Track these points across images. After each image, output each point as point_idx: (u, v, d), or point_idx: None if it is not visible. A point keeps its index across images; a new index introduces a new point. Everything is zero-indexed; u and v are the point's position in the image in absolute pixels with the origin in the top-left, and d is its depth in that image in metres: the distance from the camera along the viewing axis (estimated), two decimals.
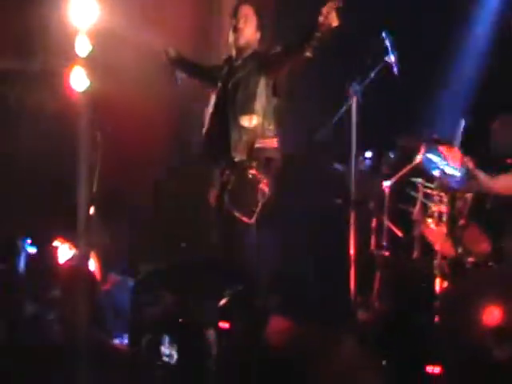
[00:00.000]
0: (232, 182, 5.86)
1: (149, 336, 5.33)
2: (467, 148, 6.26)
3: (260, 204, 5.81)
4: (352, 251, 6.19)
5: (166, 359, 5.25)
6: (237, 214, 5.81)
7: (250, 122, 5.83)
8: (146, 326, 5.45)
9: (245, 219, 5.79)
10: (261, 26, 6.10)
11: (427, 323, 5.97)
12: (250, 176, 5.83)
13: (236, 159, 5.81)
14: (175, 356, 5.24)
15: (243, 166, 5.79)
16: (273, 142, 5.91)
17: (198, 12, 7.78)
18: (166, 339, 5.26)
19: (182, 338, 5.28)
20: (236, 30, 6.05)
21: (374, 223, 6.72)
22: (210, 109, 6.12)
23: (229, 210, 5.82)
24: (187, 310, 5.44)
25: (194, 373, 5.21)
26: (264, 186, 5.88)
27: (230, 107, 5.90)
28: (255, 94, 5.86)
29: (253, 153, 5.83)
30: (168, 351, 5.25)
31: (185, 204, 7.32)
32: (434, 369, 5.41)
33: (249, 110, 5.84)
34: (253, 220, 5.80)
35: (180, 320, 5.34)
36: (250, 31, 6.04)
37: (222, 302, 5.44)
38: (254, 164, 5.82)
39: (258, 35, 6.10)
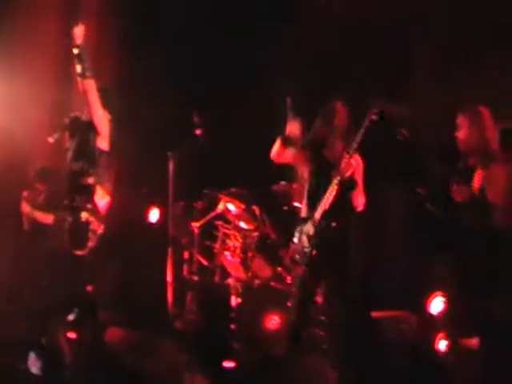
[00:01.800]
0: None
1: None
2: None
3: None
4: (169, 276, 7.12)
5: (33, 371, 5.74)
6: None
7: None
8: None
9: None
10: None
11: (226, 330, 6.83)
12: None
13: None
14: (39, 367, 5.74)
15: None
16: None
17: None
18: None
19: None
20: None
21: (186, 255, 7.59)
22: None
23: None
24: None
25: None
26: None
27: None
28: None
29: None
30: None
31: None
32: (229, 364, 6.26)
33: None
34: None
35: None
36: None
37: (70, 317, 5.97)
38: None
39: None
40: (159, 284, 7.16)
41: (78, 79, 6.27)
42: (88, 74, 6.23)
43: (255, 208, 7.46)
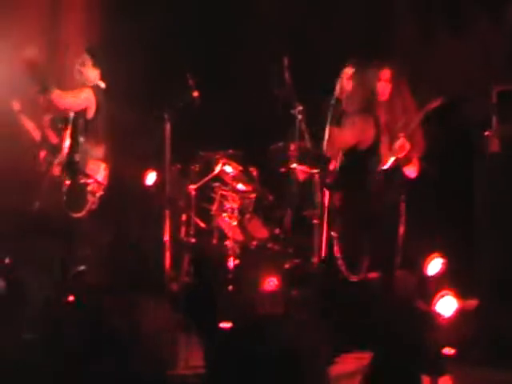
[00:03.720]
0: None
1: None
2: None
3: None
4: (166, 238, 6.93)
5: None
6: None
7: None
8: None
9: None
10: None
11: (224, 291, 6.89)
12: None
13: None
14: None
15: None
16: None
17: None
18: None
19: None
20: None
21: (183, 217, 7.56)
22: None
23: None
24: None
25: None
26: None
27: None
28: None
29: None
30: None
31: None
32: (226, 324, 6.01)
33: None
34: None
35: None
36: None
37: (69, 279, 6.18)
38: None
39: None
40: (156, 246, 7.13)
41: (41, 96, 6.44)
42: (50, 86, 6.33)
43: (252, 169, 7.48)
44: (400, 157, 5.86)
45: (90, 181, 6.58)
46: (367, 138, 6.01)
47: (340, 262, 6.12)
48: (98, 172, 6.65)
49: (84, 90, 6.63)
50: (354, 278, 6.11)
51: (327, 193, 6.43)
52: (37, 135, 7.43)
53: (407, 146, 5.81)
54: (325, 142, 6.17)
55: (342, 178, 6.27)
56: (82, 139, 6.61)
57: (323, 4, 7.97)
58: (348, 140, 6.07)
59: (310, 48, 7.78)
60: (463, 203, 6.64)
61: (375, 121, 5.95)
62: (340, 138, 6.04)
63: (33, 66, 6.25)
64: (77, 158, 6.54)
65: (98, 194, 6.61)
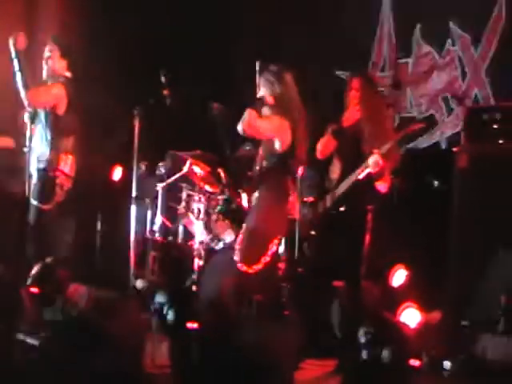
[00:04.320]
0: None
1: None
2: None
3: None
4: (132, 235, 6.82)
5: None
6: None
7: None
8: None
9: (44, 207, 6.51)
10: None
11: (189, 290, 6.87)
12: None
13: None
14: None
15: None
16: None
17: None
18: None
19: None
20: None
21: (149, 215, 7.67)
22: None
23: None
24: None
25: None
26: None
27: None
28: None
29: None
30: None
31: None
32: (193, 325, 5.89)
33: None
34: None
35: None
36: None
37: (34, 271, 6.06)
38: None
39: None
40: (121, 243, 7.11)
41: (24, 91, 6.33)
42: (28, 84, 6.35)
43: (220, 171, 7.47)
44: (373, 172, 5.91)
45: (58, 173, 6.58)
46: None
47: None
48: (66, 164, 6.61)
49: (55, 86, 6.60)
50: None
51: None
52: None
53: (381, 162, 5.88)
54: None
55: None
56: (52, 135, 6.58)
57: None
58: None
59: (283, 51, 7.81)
60: (435, 218, 6.72)
61: (292, 124, 5.83)
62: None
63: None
64: (48, 155, 6.49)
65: (65, 187, 6.61)
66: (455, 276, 6.24)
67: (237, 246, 5.97)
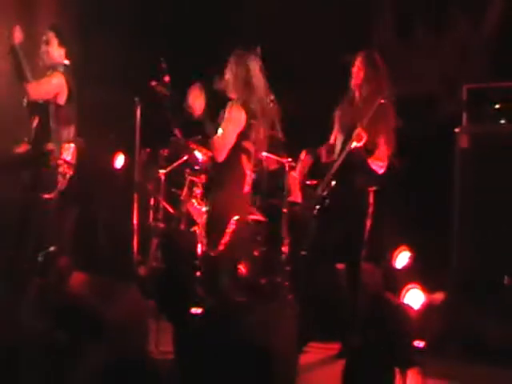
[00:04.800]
0: None
1: None
2: None
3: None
4: (135, 222, 7.09)
5: None
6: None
7: None
8: None
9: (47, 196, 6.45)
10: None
11: (191, 277, 6.52)
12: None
13: None
14: None
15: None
16: None
17: None
18: None
19: None
20: None
21: (152, 201, 7.57)
22: None
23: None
24: None
25: None
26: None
27: None
28: None
29: None
30: None
31: None
32: (196, 310, 5.88)
33: None
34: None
35: None
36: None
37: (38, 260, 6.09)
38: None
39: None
40: (124, 230, 7.19)
41: (24, 84, 6.31)
42: (27, 77, 6.31)
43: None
44: (359, 146, 5.89)
45: (60, 162, 6.55)
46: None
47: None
48: (69, 154, 6.63)
49: (55, 75, 6.58)
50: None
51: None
52: None
53: (363, 135, 5.85)
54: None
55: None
56: (53, 126, 6.57)
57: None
58: None
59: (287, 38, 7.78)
60: (438, 200, 6.72)
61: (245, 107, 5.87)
62: None
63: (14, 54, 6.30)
64: (50, 146, 6.50)
65: (67, 176, 6.59)
66: (458, 257, 6.20)
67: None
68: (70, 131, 6.66)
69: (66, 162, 6.56)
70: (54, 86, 6.55)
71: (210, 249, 5.86)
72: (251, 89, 5.85)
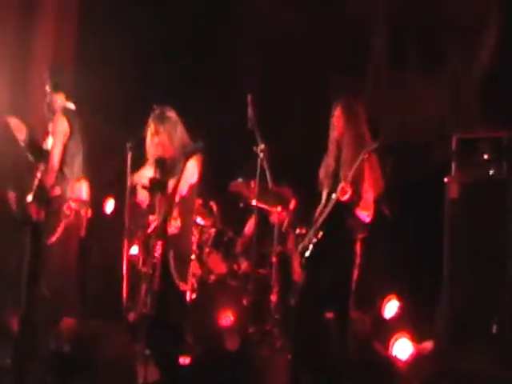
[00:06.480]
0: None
1: None
2: None
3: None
4: (124, 268, 6.82)
5: None
6: None
7: None
8: None
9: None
10: None
11: (180, 324, 6.56)
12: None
13: None
14: None
15: None
16: None
17: None
18: None
19: None
20: None
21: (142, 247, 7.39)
22: None
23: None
24: None
25: None
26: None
27: None
28: None
29: None
30: None
31: None
32: (185, 360, 6.26)
33: None
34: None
35: None
36: None
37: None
38: None
39: None
40: (113, 276, 7.09)
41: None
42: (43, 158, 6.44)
43: (212, 204, 7.48)
44: (344, 200, 5.90)
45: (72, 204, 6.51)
46: None
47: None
48: (81, 191, 6.59)
49: (59, 121, 6.57)
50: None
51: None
52: None
53: (348, 189, 5.86)
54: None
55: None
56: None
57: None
58: None
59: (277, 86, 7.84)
60: (427, 248, 6.73)
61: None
62: None
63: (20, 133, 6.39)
64: (56, 191, 6.47)
65: (82, 213, 6.57)
66: (448, 305, 6.20)
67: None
68: (77, 168, 6.62)
69: (81, 201, 6.52)
70: (63, 137, 6.53)
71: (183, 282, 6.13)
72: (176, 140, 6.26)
